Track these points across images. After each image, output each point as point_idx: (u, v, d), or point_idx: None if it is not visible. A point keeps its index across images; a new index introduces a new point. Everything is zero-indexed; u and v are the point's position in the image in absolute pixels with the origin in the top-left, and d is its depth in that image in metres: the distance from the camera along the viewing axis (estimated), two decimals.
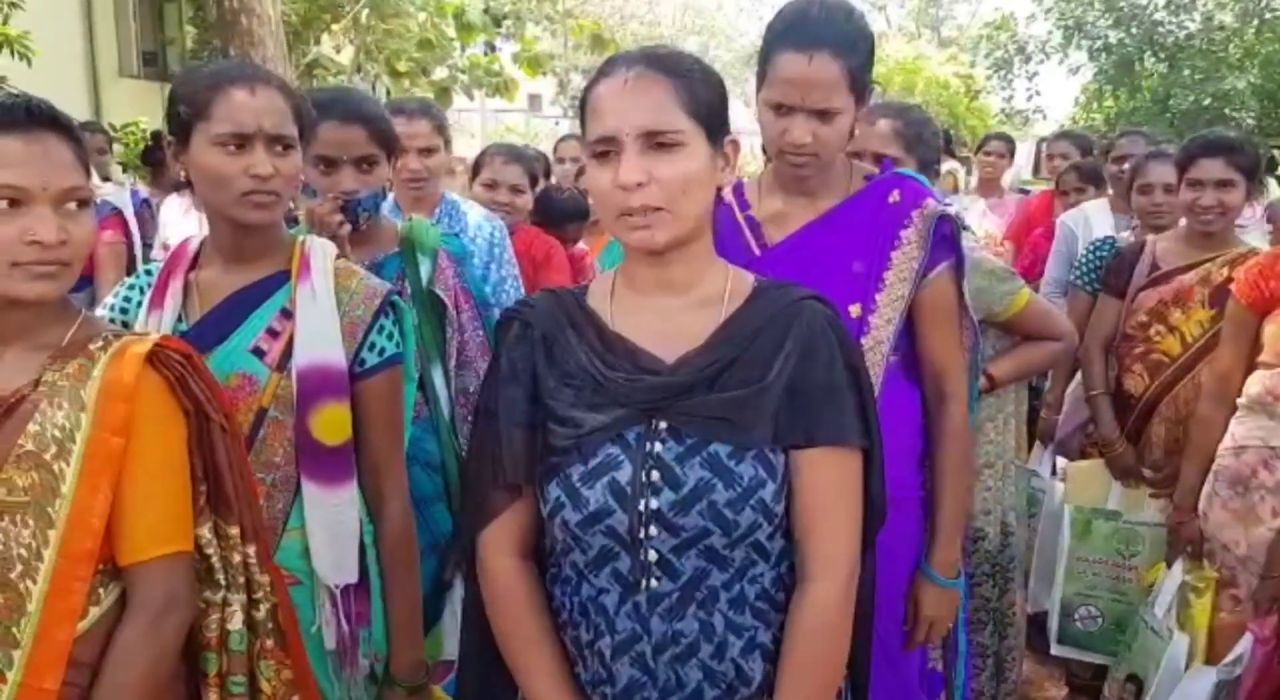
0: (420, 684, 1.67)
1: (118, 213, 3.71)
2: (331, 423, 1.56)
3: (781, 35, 1.67)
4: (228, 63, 1.67)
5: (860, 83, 1.68)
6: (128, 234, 3.71)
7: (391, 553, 1.65)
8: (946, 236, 1.76)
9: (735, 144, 1.29)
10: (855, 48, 1.66)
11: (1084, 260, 3.42)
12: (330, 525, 1.57)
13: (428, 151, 2.60)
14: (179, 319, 1.60)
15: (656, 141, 1.19)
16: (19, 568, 1.20)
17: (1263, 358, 2.47)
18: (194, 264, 1.64)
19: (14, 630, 1.19)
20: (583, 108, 1.27)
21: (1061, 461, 3.40)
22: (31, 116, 1.25)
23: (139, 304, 1.65)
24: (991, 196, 5.37)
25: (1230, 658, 2.29)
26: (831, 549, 1.25)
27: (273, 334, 1.57)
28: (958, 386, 1.84)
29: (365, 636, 1.62)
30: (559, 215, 3.41)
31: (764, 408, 1.22)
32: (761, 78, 1.71)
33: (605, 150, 1.21)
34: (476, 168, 3.21)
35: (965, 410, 1.87)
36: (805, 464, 1.25)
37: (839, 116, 1.67)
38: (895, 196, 1.77)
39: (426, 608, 2.08)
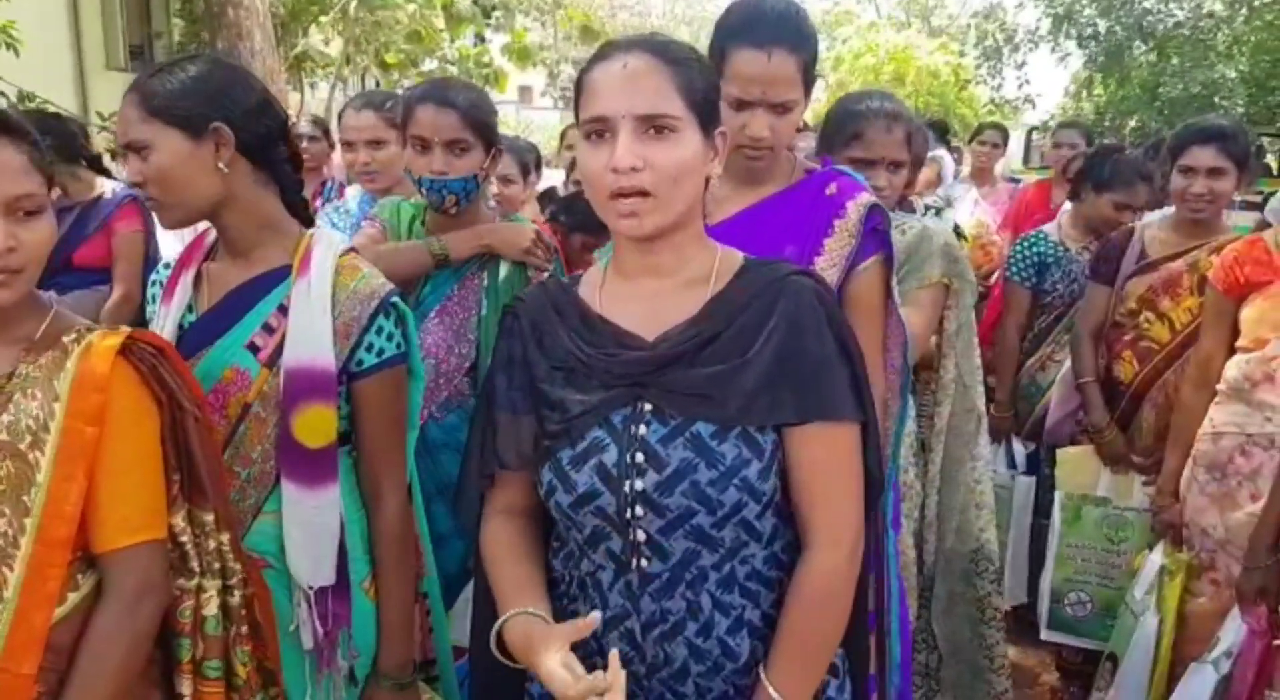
0: (408, 681, 1.67)
1: (134, 200, 3.48)
2: (315, 425, 1.53)
3: (738, 33, 1.70)
4: None
5: (810, 76, 1.74)
6: (146, 223, 3.55)
7: (386, 550, 1.64)
8: (878, 229, 1.80)
9: (724, 135, 1.30)
10: (808, 43, 1.72)
11: (1017, 255, 3.45)
12: (308, 526, 1.55)
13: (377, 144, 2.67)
14: (188, 309, 1.60)
15: (652, 126, 1.20)
16: None
17: (1240, 342, 2.49)
18: (210, 254, 1.64)
19: None
20: (578, 91, 1.27)
21: (1021, 450, 3.44)
22: None
23: (160, 299, 1.65)
24: (984, 185, 5.40)
25: (1220, 650, 2.29)
26: (835, 520, 1.26)
27: (269, 330, 1.55)
28: (875, 379, 1.84)
29: (344, 638, 1.60)
30: (594, 222, 3.35)
31: (744, 384, 1.23)
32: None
33: (599, 131, 1.22)
34: None
35: (892, 403, 1.90)
36: (799, 441, 1.25)
37: (795, 109, 1.73)
38: (832, 189, 1.81)
39: (451, 590, 2.09)
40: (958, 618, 2.66)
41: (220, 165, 1.51)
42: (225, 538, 1.40)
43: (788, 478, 1.27)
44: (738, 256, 1.34)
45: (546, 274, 2.23)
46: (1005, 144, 5.73)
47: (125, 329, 1.35)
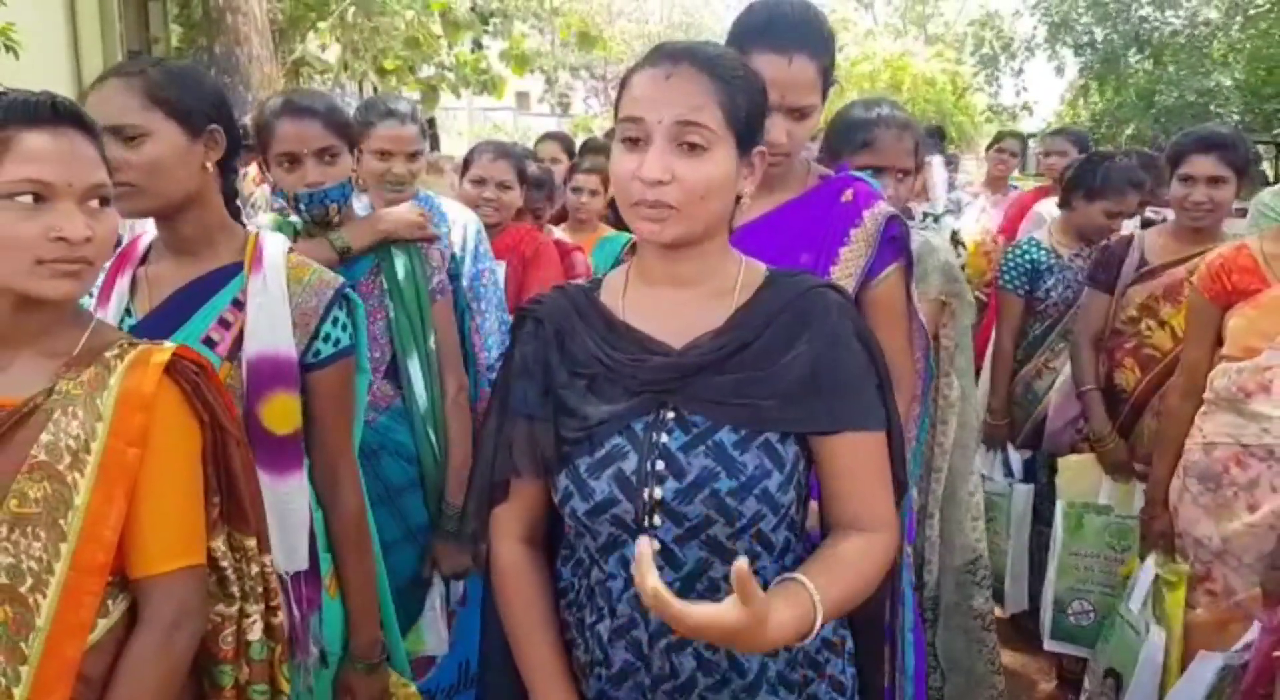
0: (377, 662, 1.72)
1: None
2: (281, 412, 1.58)
3: (757, 36, 1.67)
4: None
5: (828, 81, 1.73)
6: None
7: (345, 536, 1.69)
8: (895, 238, 1.79)
9: (763, 154, 1.28)
10: (827, 48, 1.71)
11: (1009, 263, 3.44)
12: (280, 513, 1.58)
13: (414, 155, 2.60)
14: (127, 312, 1.61)
15: (685, 141, 1.19)
16: (29, 581, 1.16)
17: (1227, 351, 2.45)
18: (144, 260, 1.66)
19: (22, 645, 1.15)
20: (621, 88, 1.26)
21: (1018, 458, 3.45)
22: (57, 113, 1.23)
23: (91, 306, 1.65)
24: (998, 193, 5.33)
25: (1240, 645, 2.29)
26: (878, 512, 1.25)
27: (224, 324, 1.58)
28: (905, 385, 1.85)
29: (316, 622, 1.65)
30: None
31: (776, 391, 1.22)
32: None
33: (634, 137, 1.21)
34: (466, 164, 3.19)
35: (915, 406, 1.90)
36: (833, 450, 1.25)
37: (813, 115, 1.71)
38: (848, 196, 1.80)
39: (404, 600, 2.11)
40: (954, 629, 2.66)
41: (208, 165, 1.58)
42: (267, 559, 1.38)
43: (822, 486, 1.27)
44: (760, 267, 1.34)
45: (437, 251, 2.24)
46: (1024, 153, 5.69)
47: (169, 344, 1.31)
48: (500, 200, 3.02)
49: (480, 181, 3.04)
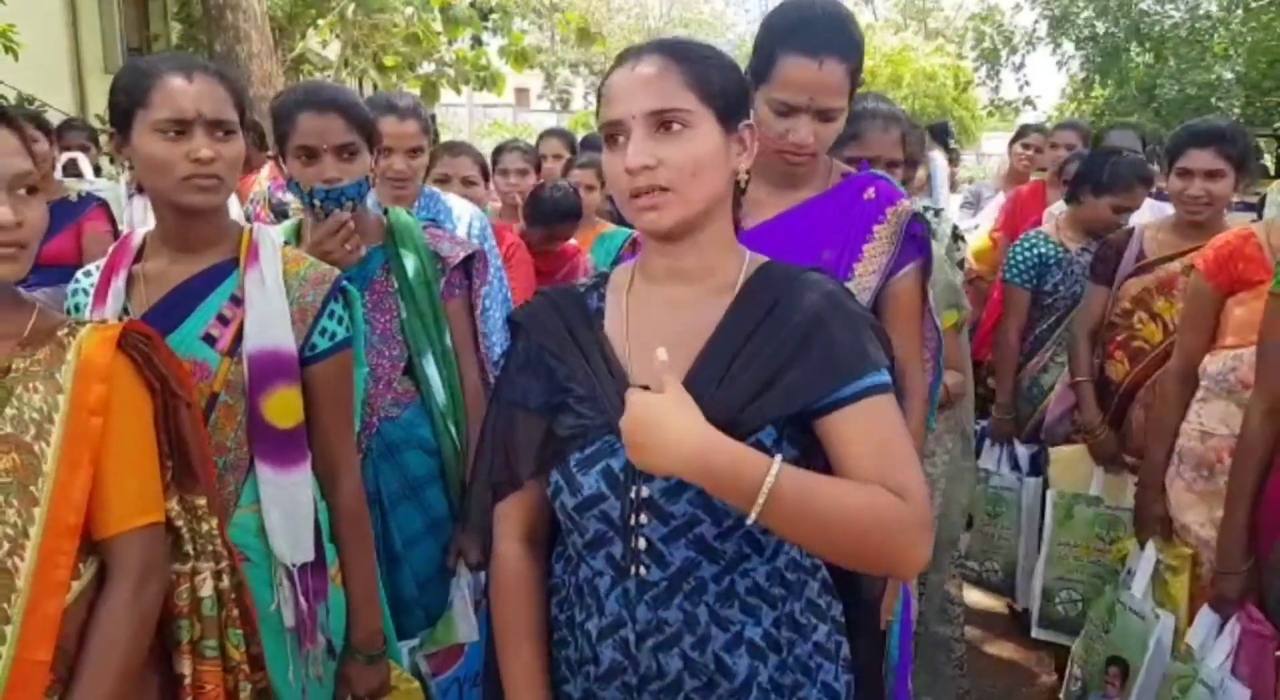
0: (378, 653, 1.74)
1: (103, 205, 3.72)
2: (283, 406, 1.60)
3: (789, 38, 1.68)
4: (167, 54, 1.65)
5: (856, 83, 1.74)
6: (114, 226, 3.69)
7: (346, 529, 1.71)
8: (917, 236, 1.80)
9: (753, 129, 1.28)
10: (857, 50, 1.71)
11: (1016, 257, 3.44)
12: (285, 506, 1.61)
13: (415, 151, 2.60)
14: (124, 311, 1.62)
15: (662, 123, 1.19)
16: (6, 546, 1.24)
17: (1227, 340, 2.44)
18: (138, 258, 1.67)
19: (4, 606, 1.23)
20: (598, 98, 1.27)
21: (1024, 452, 3.44)
22: None
23: (87, 306, 1.67)
24: (1018, 188, 5.10)
25: (1223, 656, 2.27)
26: (899, 476, 1.15)
27: (223, 320, 1.60)
28: (916, 384, 1.85)
29: (323, 612, 1.67)
30: (551, 213, 3.40)
31: (762, 403, 1.19)
32: (760, 76, 1.72)
33: (615, 136, 1.22)
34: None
35: (924, 408, 1.90)
36: (834, 422, 1.18)
37: (839, 117, 1.72)
38: (870, 193, 1.81)
39: (430, 592, 2.13)
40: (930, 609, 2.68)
41: None
42: (215, 522, 1.43)
43: (836, 470, 1.19)
44: (762, 262, 1.32)
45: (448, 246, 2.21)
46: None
47: (116, 321, 1.38)
48: (466, 196, 3.00)
49: (444, 180, 3.04)
